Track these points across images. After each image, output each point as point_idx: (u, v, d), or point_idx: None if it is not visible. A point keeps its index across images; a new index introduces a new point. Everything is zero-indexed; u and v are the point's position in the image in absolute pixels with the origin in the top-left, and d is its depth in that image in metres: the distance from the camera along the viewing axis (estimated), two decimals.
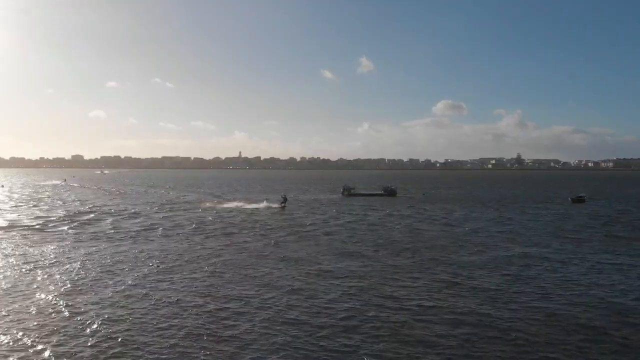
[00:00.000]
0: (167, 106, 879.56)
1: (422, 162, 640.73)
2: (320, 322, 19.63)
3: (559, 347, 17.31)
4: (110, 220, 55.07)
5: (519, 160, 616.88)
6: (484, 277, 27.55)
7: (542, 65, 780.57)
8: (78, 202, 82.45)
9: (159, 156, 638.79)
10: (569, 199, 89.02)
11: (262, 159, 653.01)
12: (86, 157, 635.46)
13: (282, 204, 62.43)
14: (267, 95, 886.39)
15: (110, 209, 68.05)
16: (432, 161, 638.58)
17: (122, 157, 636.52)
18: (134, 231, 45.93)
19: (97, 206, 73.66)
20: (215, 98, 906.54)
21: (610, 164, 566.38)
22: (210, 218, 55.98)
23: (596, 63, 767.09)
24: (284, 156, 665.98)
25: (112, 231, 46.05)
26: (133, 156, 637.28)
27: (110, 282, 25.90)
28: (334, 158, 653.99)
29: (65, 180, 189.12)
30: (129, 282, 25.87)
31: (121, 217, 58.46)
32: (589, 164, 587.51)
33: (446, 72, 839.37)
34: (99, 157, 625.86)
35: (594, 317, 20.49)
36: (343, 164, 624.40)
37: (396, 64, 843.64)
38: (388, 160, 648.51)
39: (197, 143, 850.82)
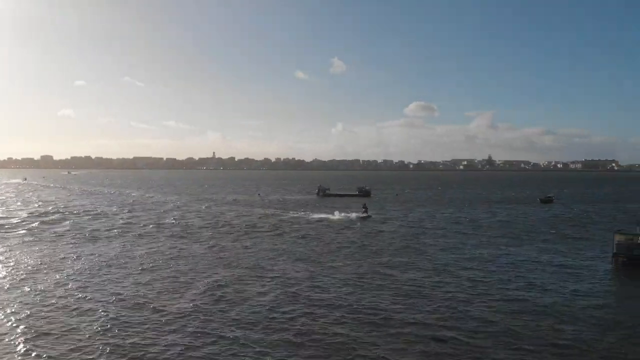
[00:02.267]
0: (138, 105, 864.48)
1: (396, 163, 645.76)
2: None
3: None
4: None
5: (490, 161, 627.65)
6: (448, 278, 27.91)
7: (512, 67, 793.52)
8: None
9: (131, 156, 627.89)
10: (538, 199, 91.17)
11: (236, 159, 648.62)
12: (56, 158, 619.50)
13: (365, 214, 61.03)
14: (240, 95, 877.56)
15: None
16: (406, 162, 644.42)
17: (93, 157, 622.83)
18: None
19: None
20: (187, 98, 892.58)
21: (579, 165, 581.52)
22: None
23: (566, 65, 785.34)
24: (258, 157, 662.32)
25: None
26: (104, 156, 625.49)
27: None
28: (309, 159, 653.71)
29: (25, 179, 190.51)
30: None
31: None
32: (559, 165, 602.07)
33: (417, 73, 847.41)
34: (69, 158, 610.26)
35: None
36: (318, 165, 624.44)
37: (368, 65, 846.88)
38: (363, 161, 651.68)
39: (172, 143, 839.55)
